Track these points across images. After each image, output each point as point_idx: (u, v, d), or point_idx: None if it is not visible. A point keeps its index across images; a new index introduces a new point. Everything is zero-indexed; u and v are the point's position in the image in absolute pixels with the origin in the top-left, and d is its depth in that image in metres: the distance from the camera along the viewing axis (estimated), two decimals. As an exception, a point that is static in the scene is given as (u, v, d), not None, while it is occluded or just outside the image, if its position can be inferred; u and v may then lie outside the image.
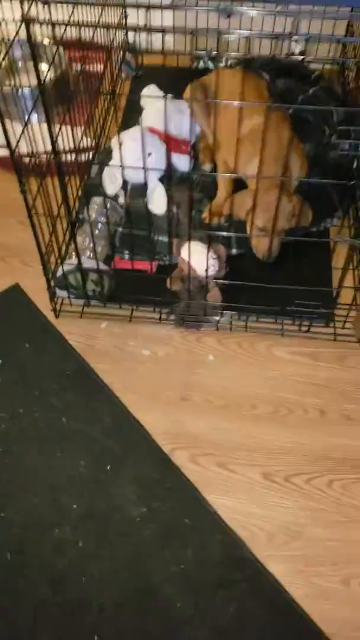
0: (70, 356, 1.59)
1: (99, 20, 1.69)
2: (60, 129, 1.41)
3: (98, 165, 1.92)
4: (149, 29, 1.84)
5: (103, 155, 1.94)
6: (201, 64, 2.29)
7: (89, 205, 1.77)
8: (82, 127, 1.67)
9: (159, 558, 1.30)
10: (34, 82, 1.17)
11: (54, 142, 1.29)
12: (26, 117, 1.29)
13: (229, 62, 2.24)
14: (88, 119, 1.84)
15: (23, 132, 1.28)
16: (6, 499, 1.37)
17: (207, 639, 1.21)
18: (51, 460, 1.42)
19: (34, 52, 1.09)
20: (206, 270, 1.56)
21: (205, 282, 1.59)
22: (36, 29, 1.12)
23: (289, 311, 1.58)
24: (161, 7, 1.16)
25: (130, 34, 2.36)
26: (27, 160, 1.35)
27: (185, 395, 1.54)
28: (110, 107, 2.14)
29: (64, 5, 1.15)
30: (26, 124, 1.28)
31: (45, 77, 1.19)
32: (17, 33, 1.14)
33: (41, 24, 1.02)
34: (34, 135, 1.33)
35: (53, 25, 1.03)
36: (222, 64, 2.23)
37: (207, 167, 1.95)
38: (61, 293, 1.63)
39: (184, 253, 1.60)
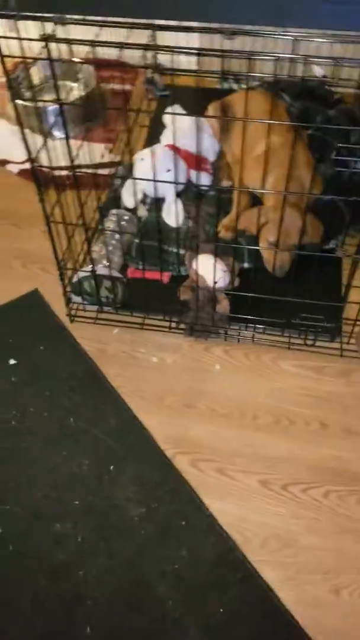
0: (82, 359, 1.66)
1: (126, 40, 1.77)
2: (83, 144, 1.50)
3: (120, 179, 2.00)
4: (173, 50, 1.90)
5: (125, 170, 2.02)
6: (226, 85, 2.36)
7: (108, 217, 1.84)
8: (107, 143, 1.75)
9: (154, 557, 1.34)
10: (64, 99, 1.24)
11: (71, 156, 1.36)
12: (58, 133, 1.35)
13: (252, 84, 2.31)
14: (113, 135, 1.92)
15: (44, 144, 1.36)
16: (11, 493, 1.43)
17: (195, 638, 1.25)
18: (57, 457, 1.48)
19: (53, 69, 1.16)
20: (216, 282, 1.61)
21: (215, 293, 1.64)
22: (69, 48, 1.19)
23: (294, 324, 1.62)
24: (168, 27, 1.22)
25: (159, 56, 2.44)
26: (47, 171, 1.43)
27: (190, 402, 1.58)
28: (135, 124, 2.22)
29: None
30: (46, 138, 1.36)
31: (67, 94, 1.26)
32: (48, 51, 1.21)
33: (58, 42, 1.09)
34: (55, 150, 1.41)
35: (70, 43, 1.09)
36: (245, 86, 2.30)
37: (224, 184, 2.01)
38: (76, 299, 1.70)
39: (195, 265, 1.66)
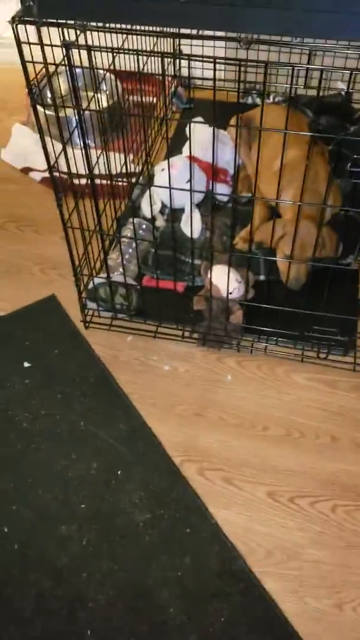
0: (95, 365, 1.67)
1: (152, 49, 1.81)
2: (103, 153, 1.52)
3: (140, 189, 2.02)
4: (197, 58, 1.93)
5: (145, 180, 2.04)
6: (250, 100, 2.38)
7: (126, 225, 1.86)
8: (127, 153, 1.77)
9: (157, 563, 1.34)
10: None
11: (89, 163, 1.38)
12: (78, 141, 1.37)
13: (276, 99, 2.33)
14: (134, 145, 1.94)
15: (62, 151, 1.38)
16: (20, 493, 1.44)
17: (195, 646, 1.24)
18: (66, 460, 1.49)
19: (73, 76, 1.19)
20: (230, 292, 1.61)
21: (229, 303, 1.64)
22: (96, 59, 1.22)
23: (308, 337, 1.61)
24: (179, 35, 1.23)
25: (183, 70, 2.48)
26: (66, 178, 1.45)
27: (200, 411, 1.59)
28: (157, 136, 2.25)
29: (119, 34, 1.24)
30: (65, 145, 1.38)
31: (87, 103, 1.29)
32: (69, 58, 1.24)
33: (79, 48, 1.12)
34: (75, 157, 1.43)
35: (89, 50, 1.12)
36: (268, 101, 2.32)
37: (244, 195, 2.03)
38: (91, 305, 1.71)
39: (210, 275, 1.67)
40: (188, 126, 2.18)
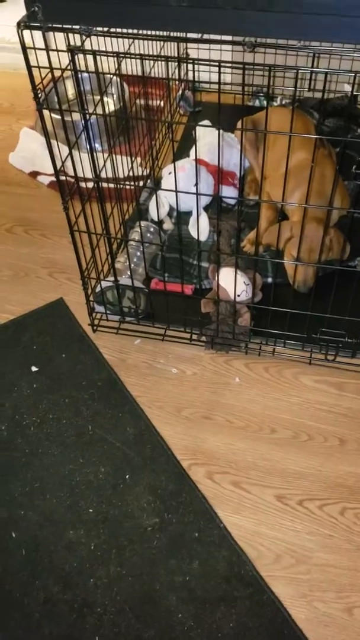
0: (102, 368, 1.67)
1: (158, 54, 1.81)
2: (110, 156, 1.52)
3: (148, 192, 2.02)
4: (202, 62, 1.94)
5: (153, 183, 2.04)
6: (257, 103, 2.38)
7: (134, 229, 1.86)
8: (135, 157, 1.78)
9: (165, 568, 1.33)
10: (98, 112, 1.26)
11: (96, 167, 1.38)
12: (86, 145, 1.38)
13: (283, 102, 2.33)
14: (142, 149, 1.94)
15: (69, 155, 1.38)
16: (27, 498, 1.44)
17: (204, 651, 1.24)
18: (74, 465, 1.49)
19: (78, 81, 1.19)
20: (237, 295, 1.61)
21: (237, 306, 1.64)
22: (103, 63, 1.22)
23: (315, 339, 1.61)
24: (186, 39, 1.23)
25: (191, 73, 2.47)
26: (73, 182, 1.45)
27: (208, 414, 1.58)
28: (165, 139, 2.25)
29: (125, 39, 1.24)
30: (71, 150, 1.38)
31: (95, 106, 1.29)
32: (74, 63, 1.24)
33: (85, 53, 1.12)
34: (82, 161, 1.43)
35: (95, 54, 1.12)
36: (275, 103, 2.31)
37: (251, 198, 2.02)
38: (99, 308, 1.71)
39: (218, 277, 1.67)
40: (195, 129, 2.20)
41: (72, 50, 1.11)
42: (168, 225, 1.96)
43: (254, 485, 1.46)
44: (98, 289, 1.67)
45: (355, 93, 2.28)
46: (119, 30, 1.13)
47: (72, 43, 1.09)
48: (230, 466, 1.49)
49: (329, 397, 1.61)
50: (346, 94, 2.26)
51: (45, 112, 1.29)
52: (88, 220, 1.51)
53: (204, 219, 1.90)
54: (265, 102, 2.38)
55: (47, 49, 1.11)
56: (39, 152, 2.33)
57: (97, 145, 1.87)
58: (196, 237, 1.86)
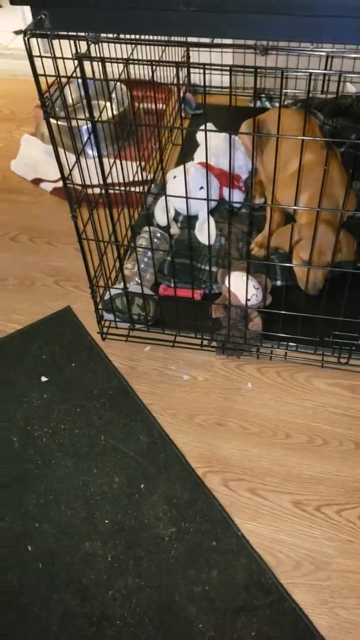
0: (113, 377, 1.65)
1: (159, 59, 1.79)
2: (115, 162, 1.51)
3: (152, 197, 2.01)
4: (207, 67, 1.93)
5: (158, 188, 2.03)
6: (259, 104, 2.37)
7: (140, 234, 1.85)
8: (139, 161, 1.76)
9: (183, 578, 1.32)
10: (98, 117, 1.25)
11: (104, 174, 1.36)
12: (90, 151, 1.37)
13: (286, 102, 2.31)
14: (145, 153, 1.93)
15: (76, 163, 1.37)
16: (42, 510, 1.42)
17: (226, 662, 1.22)
18: (87, 475, 1.47)
19: (86, 87, 1.17)
20: (248, 299, 1.60)
21: (248, 310, 1.62)
22: (103, 67, 1.21)
23: (328, 342, 1.59)
24: (198, 44, 1.23)
25: (192, 75, 2.47)
26: (80, 189, 1.44)
27: (221, 420, 1.57)
28: (168, 143, 2.24)
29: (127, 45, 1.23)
30: (78, 157, 1.37)
31: (100, 113, 1.28)
32: (82, 70, 1.23)
33: (92, 60, 1.11)
34: (87, 167, 1.42)
35: (103, 61, 1.10)
36: (278, 104, 2.30)
37: (257, 201, 2.01)
38: (108, 316, 1.70)
39: (227, 282, 1.65)
40: (200, 133, 2.18)
41: (80, 58, 1.09)
42: (174, 230, 1.94)
43: (270, 491, 1.44)
44: (107, 296, 1.65)
45: (357, 93, 2.27)
46: (122, 35, 1.12)
47: (79, 50, 1.08)
48: (246, 473, 1.47)
49: (342, 400, 1.59)
50: (350, 94, 2.25)
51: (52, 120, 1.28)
52: (93, 227, 1.50)
53: (211, 223, 1.89)
54: (267, 103, 2.36)
55: (54, 56, 1.09)
56: (40, 159, 2.32)
57: (102, 151, 1.86)
58: (204, 242, 1.85)
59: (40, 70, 1.13)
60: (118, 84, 2.27)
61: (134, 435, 1.54)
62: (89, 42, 1.04)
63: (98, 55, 1.08)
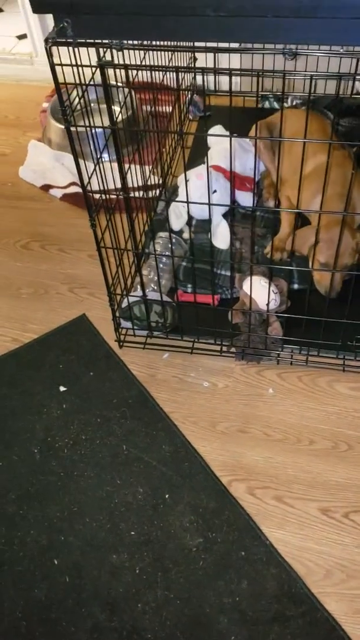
0: (132, 385, 1.64)
1: (169, 64, 1.78)
2: (129, 167, 1.49)
3: (165, 202, 1.99)
4: (216, 71, 1.92)
5: (170, 192, 2.01)
6: (267, 105, 2.35)
7: (154, 240, 1.83)
8: (151, 166, 1.74)
9: (213, 589, 1.30)
10: (106, 122, 1.23)
11: (124, 180, 1.35)
12: (98, 156, 1.35)
13: (294, 103, 2.30)
14: (156, 157, 1.91)
15: (95, 170, 1.35)
16: (66, 523, 1.41)
17: (260, 674, 1.20)
18: (111, 486, 1.46)
19: (108, 94, 1.15)
20: (267, 304, 1.58)
21: (267, 315, 1.61)
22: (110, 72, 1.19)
23: (349, 346, 1.58)
24: (229, 50, 1.22)
25: (199, 77, 2.45)
26: (97, 196, 1.42)
27: (244, 428, 1.55)
28: (177, 146, 2.22)
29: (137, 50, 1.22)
30: (97, 163, 1.35)
31: (117, 117, 1.26)
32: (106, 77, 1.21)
33: (115, 68, 1.09)
34: (104, 173, 1.40)
35: (127, 69, 1.09)
36: (287, 105, 2.28)
37: (270, 204, 1.99)
38: (126, 324, 1.68)
39: (245, 287, 1.64)
40: (210, 135, 2.16)
41: (103, 66, 1.07)
42: (187, 234, 1.92)
43: (297, 499, 1.43)
44: (124, 304, 1.63)
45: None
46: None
47: (103, 57, 1.06)
48: (271, 480, 1.46)
49: (366, 405, 1.58)
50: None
51: (56, 124, 1.25)
52: (112, 235, 1.48)
53: (225, 226, 1.87)
54: (275, 104, 2.35)
55: (77, 64, 1.08)
56: (49, 165, 2.30)
57: (105, 156, 1.83)
58: (218, 246, 1.83)
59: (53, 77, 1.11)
60: (126, 89, 2.25)
61: (156, 445, 1.52)
62: (114, 50, 1.02)
63: (124, 63, 1.06)
